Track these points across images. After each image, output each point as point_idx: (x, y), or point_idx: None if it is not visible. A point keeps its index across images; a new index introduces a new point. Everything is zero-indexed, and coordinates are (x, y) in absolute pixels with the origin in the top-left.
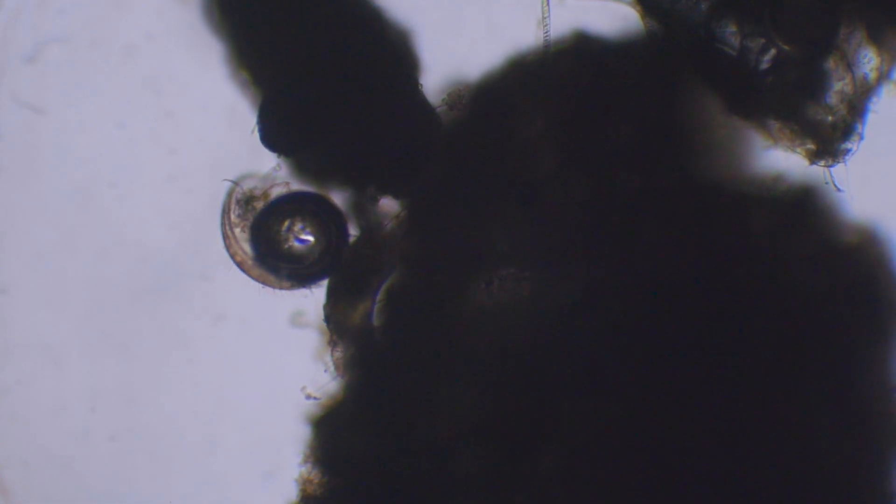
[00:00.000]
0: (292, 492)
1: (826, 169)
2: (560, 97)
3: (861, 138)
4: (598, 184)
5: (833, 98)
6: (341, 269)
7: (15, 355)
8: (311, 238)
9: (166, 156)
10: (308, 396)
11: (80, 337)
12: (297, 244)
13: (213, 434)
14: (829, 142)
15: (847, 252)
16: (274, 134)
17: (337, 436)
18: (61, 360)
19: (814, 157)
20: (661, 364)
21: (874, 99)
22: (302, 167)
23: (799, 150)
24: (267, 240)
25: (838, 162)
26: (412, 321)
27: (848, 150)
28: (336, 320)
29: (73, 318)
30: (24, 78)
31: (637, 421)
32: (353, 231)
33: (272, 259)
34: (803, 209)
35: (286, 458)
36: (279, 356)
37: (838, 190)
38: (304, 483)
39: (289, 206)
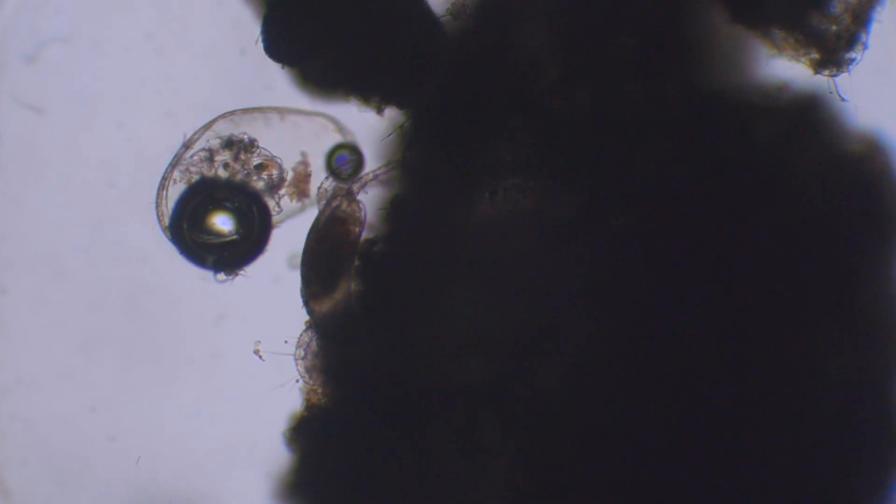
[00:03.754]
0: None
1: (830, 78)
2: (564, 7)
3: (865, 48)
4: (602, 94)
5: (837, 7)
6: (311, 257)
7: (14, 356)
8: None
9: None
10: (256, 352)
11: (79, 339)
12: (221, 226)
13: (213, 434)
14: (834, 51)
15: (851, 161)
16: (279, 44)
17: (342, 346)
18: (61, 361)
19: (818, 66)
20: (663, 273)
21: (878, 9)
22: (307, 78)
23: (803, 59)
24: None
25: (842, 72)
26: (416, 231)
27: (852, 60)
28: (314, 308)
29: (73, 320)
30: (24, 78)
31: (639, 333)
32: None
33: (197, 244)
34: (807, 119)
35: (285, 459)
36: (279, 354)
37: (842, 100)
38: (309, 393)
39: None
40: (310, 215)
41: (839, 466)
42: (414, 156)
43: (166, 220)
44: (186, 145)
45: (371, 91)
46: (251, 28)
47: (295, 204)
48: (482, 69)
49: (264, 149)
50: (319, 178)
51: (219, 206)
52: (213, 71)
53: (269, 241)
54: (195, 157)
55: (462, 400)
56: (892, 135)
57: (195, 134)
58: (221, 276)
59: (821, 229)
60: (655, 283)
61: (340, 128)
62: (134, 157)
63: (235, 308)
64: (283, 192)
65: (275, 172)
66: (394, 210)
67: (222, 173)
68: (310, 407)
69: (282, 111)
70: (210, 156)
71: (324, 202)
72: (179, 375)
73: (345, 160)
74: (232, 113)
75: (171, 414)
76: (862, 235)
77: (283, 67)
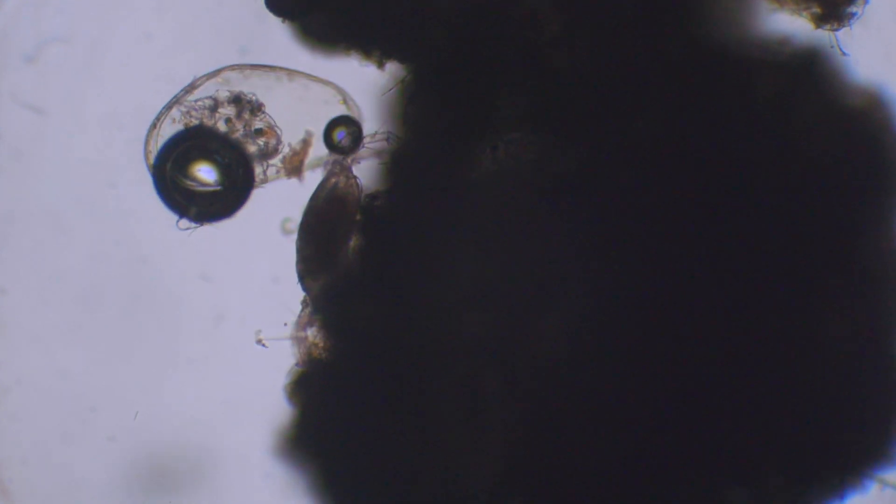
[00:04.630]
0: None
1: (832, 33)
2: None
3: (866, 2)
4: (603, 48)
5: None
6: (308, 233)
7: (14, 356)
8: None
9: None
10: (259, 342)
11: (79, 336)
12: (204, 176)
13: (212, 434)
14: (835, 5)
15: (852, 116)
16: None
17: (344, 300)
18: (61, 361)
19: (819, 20)
20: (665, 228)
21: None
22: (308, 32)
23: (805, 13)
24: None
25: (844, 25)
26: (417, 186)
27: (853, 14)
28: (310, 285)
29: (73, 318)
30: (24, 78)
31: (640, 288)
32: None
33: (176, 186)
34: (809, 73)
35: (286, 413)
36: (279, 355)
37: (844, 54)
38: (311, 346)
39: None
40: (291, 182)
41: (842, 420)
42: (415, 110)
43: (152, 158)
44: (188, 89)
45: (372, 45)
46: (251, 27)
47: (282, 177)
48: (484, 23)
49: (269, 115)
50: (316, 155)
51: (208, 156)
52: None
53: (244, 205)
54: (199, 103)
55: (463, 356)
56: (892, 89)
57: (199, 80)
58: (183, 223)
59: (822, 183)
60: (657, 238)
61: (346, 100)
62: (134, 157)
63: (234, 305)
64: (273, 162)
65: (272, 141)
66: (395, 165)
67: (221, 126)
68: (312, 361)
69: (292, 73)
70: (215, 105)
71: (322, 178)
72: (179, 365)
73: (343, 136)
74: (241, 67)
75: (172, 381)
76: (863, 189)
77: (283, 21)
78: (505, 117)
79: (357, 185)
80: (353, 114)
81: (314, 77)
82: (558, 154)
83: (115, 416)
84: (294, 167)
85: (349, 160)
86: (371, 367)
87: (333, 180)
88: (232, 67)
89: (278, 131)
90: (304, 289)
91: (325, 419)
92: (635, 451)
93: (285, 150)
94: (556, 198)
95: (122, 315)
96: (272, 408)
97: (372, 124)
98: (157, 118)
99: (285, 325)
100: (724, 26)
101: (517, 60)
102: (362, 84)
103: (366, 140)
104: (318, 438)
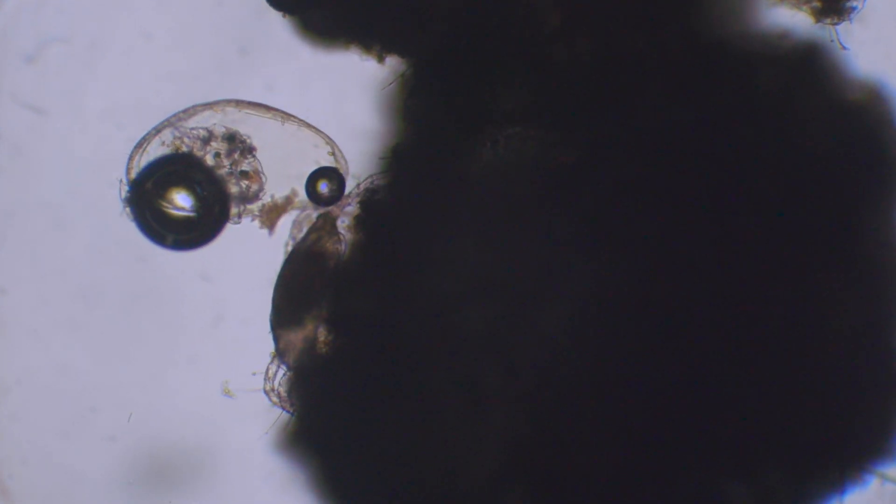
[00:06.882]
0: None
1: (832, 27)
2: None
3: None
4: (603, 42)
5: None
6: (285, 285)
7: (14, 356)
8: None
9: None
10: (226, 392)
11: (79, 336)
12: (180, 202)
13: (212, 433)
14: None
15: (852, 110)
16: None
17: (343, 294)
18: (60, 359)
19: (819, 14)
20: (664, 220)
21: None
22: (308, 26)
23: (805, 7)
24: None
25: (844, 20)
26: (417, 180)
27: (853, 8)
28: (280, 335)
29: (73, 317)
30: (24, 78)
31: (641, 279)
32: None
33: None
34: (809, 67)
35: (285, 460)
36: (247, 391)
37: (843, 48)
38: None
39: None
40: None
41: (841, 414)
42: (415, 104)
43: (134, 173)
44: (181, 115)
45: (372, 39)
46: (251, 27)
47: (255, 223)
48: (484, 17)
49: (258, 161)
50: (301, 199)
51: (188, 184)
52: (214, 71)
53: (211, 241)
54: (194, 132)
55: (464, 350)
56: (892, 83)
57: (196, 107)
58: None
59: (822, 177)
60: (657, 230)
61: (335, 152)
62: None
63: (234, 305)
64: (251, 206)
65: (254, 187)
66: (395, 159)
67: (209, 160)
68: (310, 357)
69: (285, 118)
70: (208, 138)
71: (307, 230)
72: (179, 364)
73: (326, 187)
74: (240, 103)
75: (172, 381)
76: (863, 183)
77: (284, 16)
78: (505, 111)
79: (340, 240)
80: (339, 166)
81: (308, 124)
82: (559, 148)
83: (115, 415)
84: (269, 218)
85: (337, 217)
86: (371, 361)
87: (316, 235)
88: (228, 102)
89: (263, 178)
90: (275, 339)
91: (325, 415)
92: (635, 445)
93: (266, 198)
94: (557, 192)
95: (123, 314)
96: (272, 406)
97: (357, 168)
98: (145, 137)
99: (253, 374)
100: (725, 20)
101: (517, 54)
102: (362, 79)
103: (349, 196)
104: (318, 434)
